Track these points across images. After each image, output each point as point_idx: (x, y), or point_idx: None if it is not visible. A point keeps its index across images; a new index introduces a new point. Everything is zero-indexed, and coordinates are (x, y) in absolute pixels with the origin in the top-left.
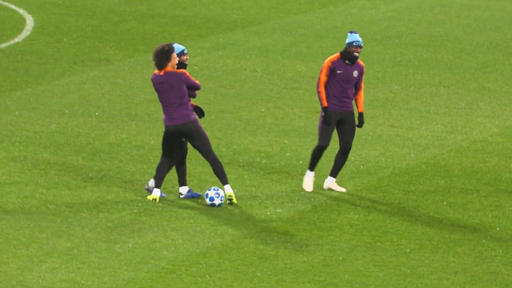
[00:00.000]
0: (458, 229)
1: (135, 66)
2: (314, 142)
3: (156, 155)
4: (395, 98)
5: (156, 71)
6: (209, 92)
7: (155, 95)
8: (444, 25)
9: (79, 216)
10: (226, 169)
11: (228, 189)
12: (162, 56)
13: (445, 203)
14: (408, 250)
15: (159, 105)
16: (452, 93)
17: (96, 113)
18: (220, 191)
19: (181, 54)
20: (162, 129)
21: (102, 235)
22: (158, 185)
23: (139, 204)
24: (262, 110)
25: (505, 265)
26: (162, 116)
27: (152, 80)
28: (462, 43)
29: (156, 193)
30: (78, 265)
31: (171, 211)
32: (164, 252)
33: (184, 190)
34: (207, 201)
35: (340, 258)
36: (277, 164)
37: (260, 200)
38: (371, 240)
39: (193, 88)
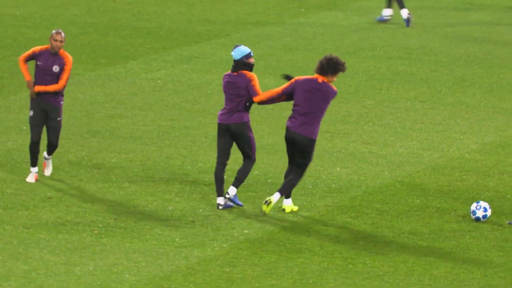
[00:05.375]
0: (434, 251)
1: (96, 80)
2: (283, 160)
3: (117, 173)
4: (369, 114)
5: (316, 76)
6: (173, 107)
7: (116, 111)
8: (420, 37)
9: (37, 237)
10: (192, 188)
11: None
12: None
13: (420, 224)
14: (381, 273)
15: (121, 121)
16: (428, 108)
17: None
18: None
19: (248, 56)
20: (124, 147)
21: (62, 257)
22: (282, 192)
23: (100, 225)
24: None
25: None
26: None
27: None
28: (439, 56)
29: (286, 203)
30: None
31: (134, 232)
32: (126, 275)
33: (221, 200)
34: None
35: (311, 281)
36: (245, 183)
37: (227, 221)
38: (343, 263)
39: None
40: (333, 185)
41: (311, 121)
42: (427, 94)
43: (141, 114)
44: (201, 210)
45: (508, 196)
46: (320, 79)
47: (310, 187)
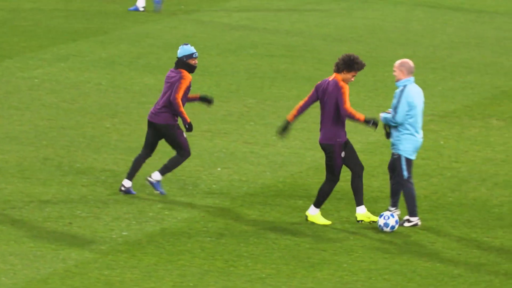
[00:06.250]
0: (317, 253)
1: None
2: (163, 160)
3: None
4: (250, 113)
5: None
6: (50, 107)
7: None
8: (303, 35)
9: None
10: (69, 189)
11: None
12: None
13: (303, 225)
14: (263, 275)
15: None
16: (311, 107)
17: None
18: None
19: (189, 57)
20: (0, 147)
21: None
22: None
23: None
24: (107, 126)
25: None
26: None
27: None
28: (322, 54)
29: None
30: None
31: (10, 235)
32: (3, 278)
33: (128, 183)
34: (388, 230)
35: (191, 284)
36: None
37: (105, 222)
38: (224, 265)
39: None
40: (214, 185)
41: (325, 125)
42: (308, 92)
43: (17, 113)
44: (79, 212)
45: None
46: (332, 77)
47: (191, 188)
